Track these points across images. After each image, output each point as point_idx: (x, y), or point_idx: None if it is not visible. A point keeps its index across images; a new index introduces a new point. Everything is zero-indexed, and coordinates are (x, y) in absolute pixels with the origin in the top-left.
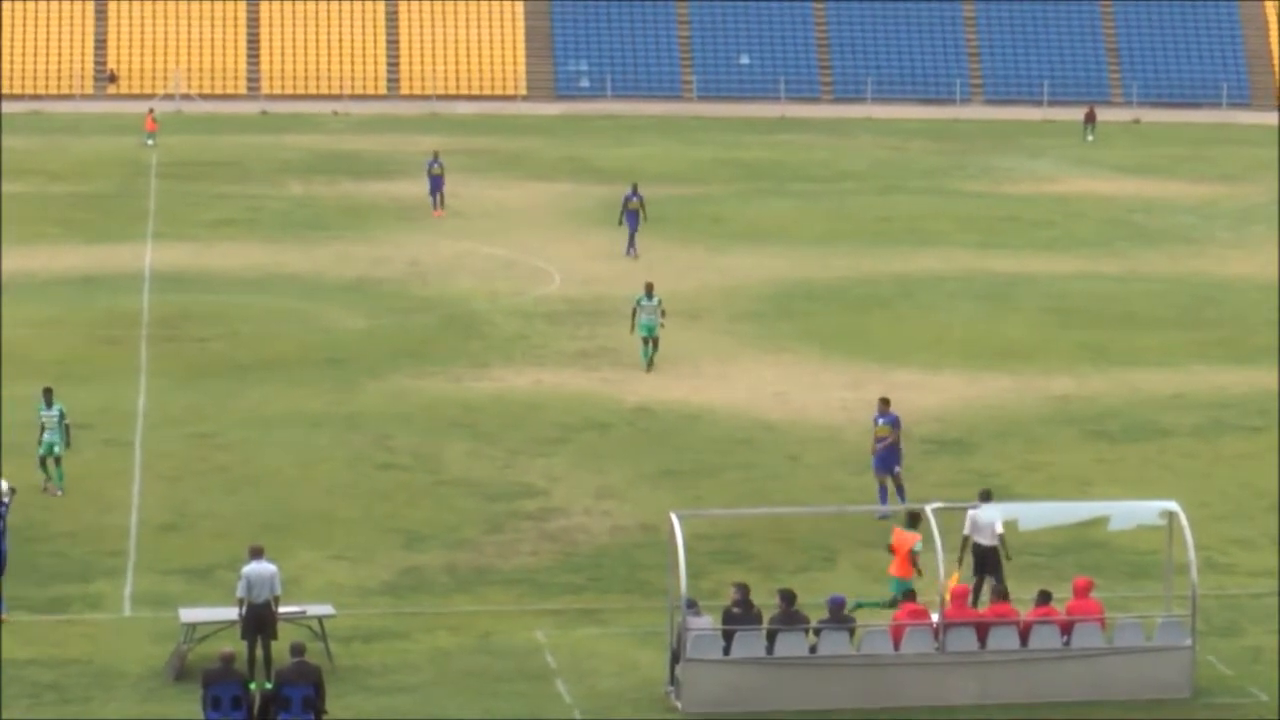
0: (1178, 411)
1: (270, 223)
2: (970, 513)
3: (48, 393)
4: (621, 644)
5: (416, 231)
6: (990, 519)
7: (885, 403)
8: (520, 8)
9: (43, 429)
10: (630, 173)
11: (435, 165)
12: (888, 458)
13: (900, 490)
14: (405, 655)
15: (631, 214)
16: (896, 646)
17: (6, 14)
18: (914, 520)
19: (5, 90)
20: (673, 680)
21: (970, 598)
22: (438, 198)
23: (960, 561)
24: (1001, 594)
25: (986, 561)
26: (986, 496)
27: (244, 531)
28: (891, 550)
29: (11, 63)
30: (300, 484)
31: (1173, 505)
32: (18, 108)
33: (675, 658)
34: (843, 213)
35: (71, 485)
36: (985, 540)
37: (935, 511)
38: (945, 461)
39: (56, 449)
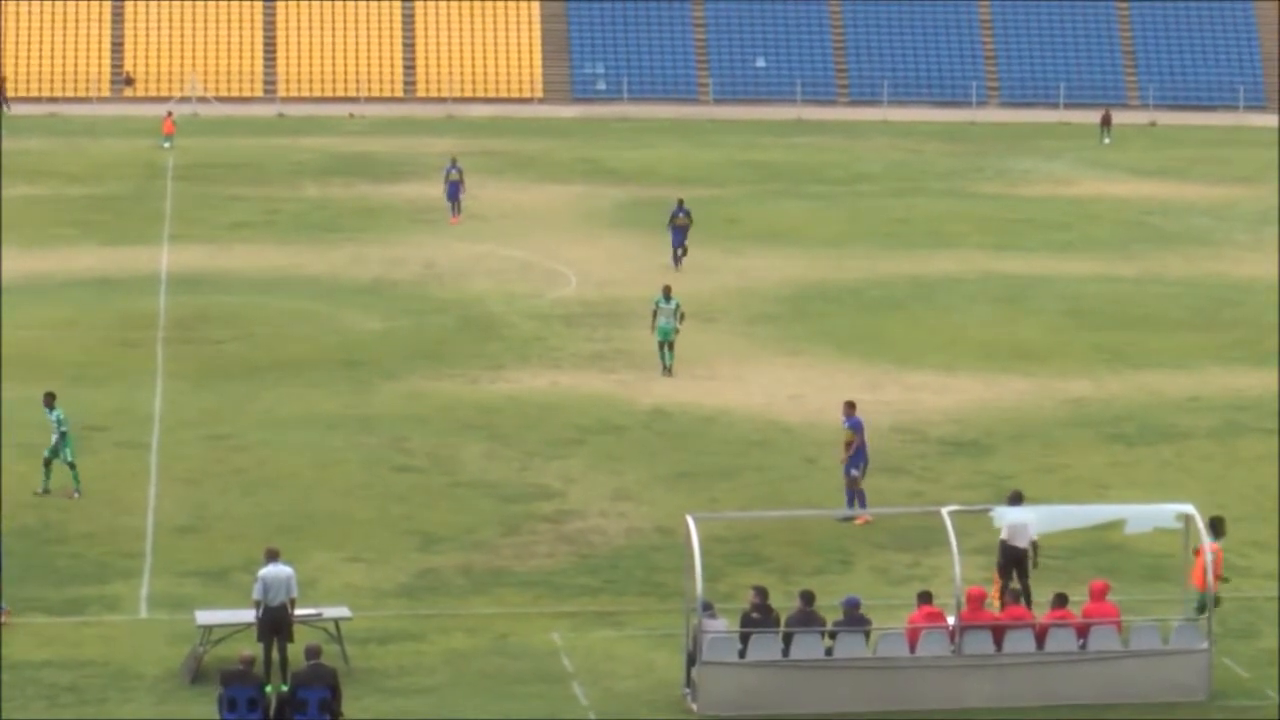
0: (1194, 414)
1: (286, 225)
2: (1006, 515)
3: (48, 397)
4: (637, 646)
5: (433, 233)
6: (1025, 521)
7: (850, 406)
8: (536, 10)
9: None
10: (646, 174)
11: (453, 171)
12: (852, 460)
13: (860, 495)
14: (421, 657)
15: (678, 229)
16: (912, 649)
17: (24, 16)
18: (1213, 528)
19: (22, 93)
20: (688, 682)
21: (1002, 600)
22: (455, 204)
23: (999, 567)
24: (1016, 595)
25: (1020, 564)
26: (1018, 499)
27: (260, 533)
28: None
29: (28, 65)
30: (316, 486)
31: (1189, 508)
32: (35, 110)
33: (691, 660)
34: (859, 215)
35: (88, 487)
36: (1021, 543)
37: (951, 514)
38: (961, 463)
39: (59, 454)
